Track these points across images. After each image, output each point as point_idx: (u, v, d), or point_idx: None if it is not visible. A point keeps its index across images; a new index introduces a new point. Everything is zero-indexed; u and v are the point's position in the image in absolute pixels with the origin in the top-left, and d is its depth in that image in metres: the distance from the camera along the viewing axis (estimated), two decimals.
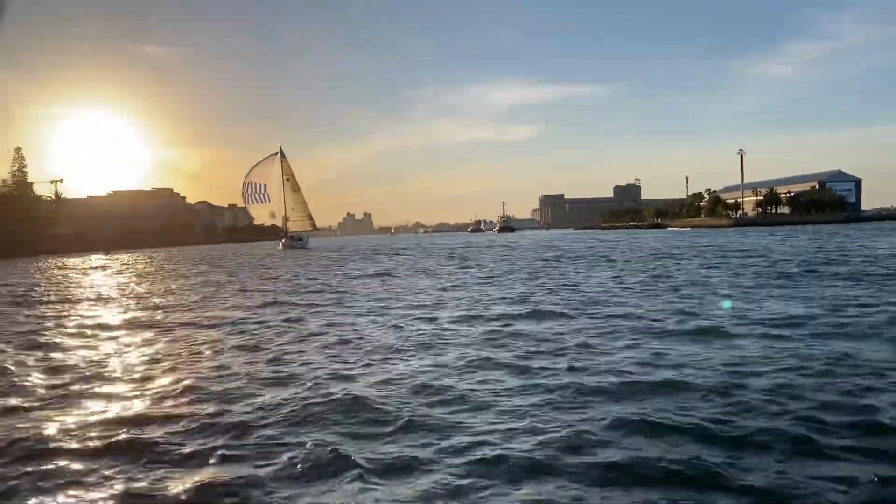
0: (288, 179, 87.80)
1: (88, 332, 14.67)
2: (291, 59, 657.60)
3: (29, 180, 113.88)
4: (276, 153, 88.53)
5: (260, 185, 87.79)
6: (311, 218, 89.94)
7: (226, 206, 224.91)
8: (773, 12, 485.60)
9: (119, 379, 9.55)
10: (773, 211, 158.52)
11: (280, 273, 34.87)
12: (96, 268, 49.61)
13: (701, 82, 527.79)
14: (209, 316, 16.86)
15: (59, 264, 58.13)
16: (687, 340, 11.10)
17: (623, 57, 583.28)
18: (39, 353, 11.89)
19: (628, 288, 20.23)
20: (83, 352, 11.93)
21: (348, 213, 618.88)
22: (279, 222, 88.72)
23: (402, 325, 14.02)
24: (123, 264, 54.49)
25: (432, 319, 14.69)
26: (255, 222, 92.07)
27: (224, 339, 12.98)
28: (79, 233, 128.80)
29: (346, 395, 8.09)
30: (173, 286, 27.92)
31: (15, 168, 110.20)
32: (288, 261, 50.59)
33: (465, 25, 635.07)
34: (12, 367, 10.59)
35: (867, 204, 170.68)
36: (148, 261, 60.71)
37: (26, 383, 9.44)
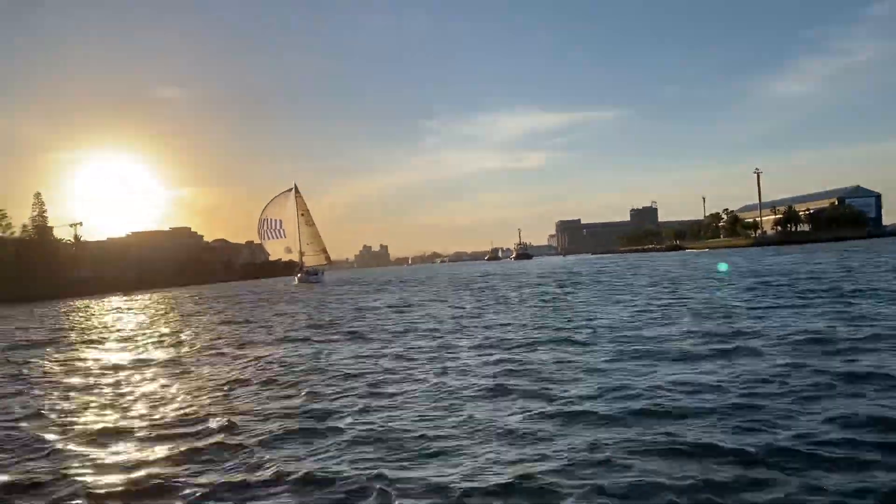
0: (303, 214, 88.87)
1: (111, 372, 14.74)
2: (304, 95, 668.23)
3: (49, 224, 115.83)
4: (291, 189, 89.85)
5: (275, 220, 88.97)
6: (325, 252, 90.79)
7: (243, 242, 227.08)
8: (782, 30, 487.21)
9: (146, 418, 9.65)
10: (793, 229, 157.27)
11: (295, 308, 34.93)
12: (117, 309, 50.08)
13: (713, 102, 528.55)
14: (229, 353, 16.92)
15: (81, 306, 58.75)
16: (710, 362, 10.95)
17: (634, 80, 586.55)
18: (71, 394, 12.03)
19: (646, 312, 20.00)
20: (108, 391, 12.04)
21: (364, 246, 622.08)
22: (295, 257, 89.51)
23: (421, 357, 13.94)
24: (143, 305, 54.98)
25: (450, 348, 14.60)
26: (271, 258, 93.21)
27: (246, 375, 12.99)
28: (98, 274, 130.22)
29: (371, 428, 8.18)
30: (192, 325, 28.03)
31: (35, 213, 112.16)
32: (304, 296, 50.78)
33: (473, 55, 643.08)
34: (45, 409, 10.70)
35: (888, 219, 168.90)
36: (167, 300, 61.25)
37: (59, 423, 9.58)
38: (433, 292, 42.29)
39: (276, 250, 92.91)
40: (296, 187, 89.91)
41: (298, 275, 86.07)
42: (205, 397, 10.95)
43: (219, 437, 8.21)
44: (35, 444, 8.50)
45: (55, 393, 12.34)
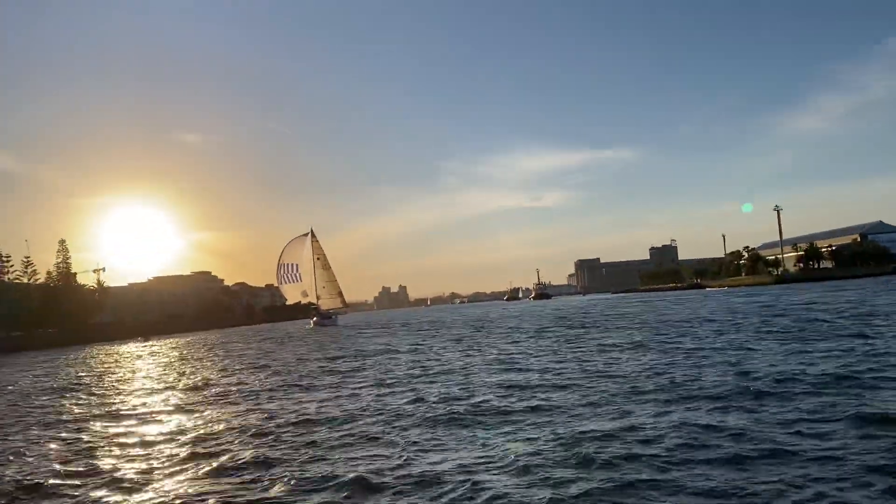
0: (318, 258, 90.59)
1: (132, 417, 14.84)
2: (323, 138, 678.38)
3: (73, 270, 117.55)
4: (307, 234, 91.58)
5: (292, 265, 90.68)
6: (341, 296, 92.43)
7: (263, 286, 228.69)
8: (797, 67, 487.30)
9: (166, 458, 9.71)
10: (816, 266, 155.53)
11: (307, 352, 34.96)
12: (139, 355, 50.53)
13: (730, 140, 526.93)
14: (248, 399, 16.96)
15: (104, 352, 59.35)
16: (735, 406, 10.79)
17: (651, 118, 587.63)
18: (107, 435, 12.24)
19: (665, 352, 19.80)
20: (131, 433, 12.11)
21: (383, 287, 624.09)
22: (313, 300, 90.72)
23: (439, 399, 13.88)
24: (165, 349, 55.43)
25: (467, 390, 14.52)
26: (288, 302, 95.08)
27: (262, 422, 12.95)
28: (121, 319, 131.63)
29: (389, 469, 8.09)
30: (210, 370, 28.18)
31: (60, 259, 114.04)
32: (318, 339, 51.00)
33: (491, 95, 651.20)
34: (73, 455, 10.82)
35: None
36: (187, 345, 61.72)
37: (97, 465, 9.76)
38: (449, 336, 42.16)
39: (293, 295, 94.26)
40: (312, 232, 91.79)
41: (314, 318, 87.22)
42: (225, 443, 10.94)
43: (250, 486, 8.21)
44: (64, 488, 8.60)
45: (82, 436, 12.49)
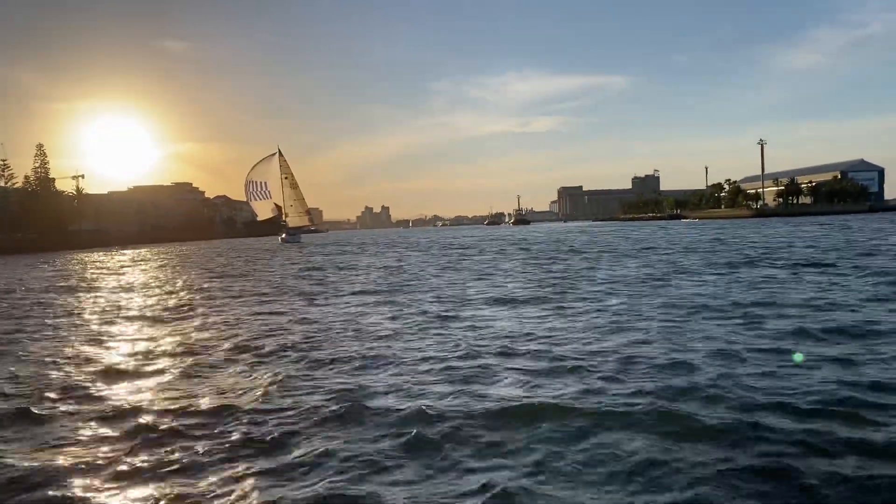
0: (286, 177, 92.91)
1: (106, 325, 15.25)
2: (311, 53, 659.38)
3: (51, 176, 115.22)
4: (274, 153, 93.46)
5: (261, 182, 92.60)
6: (308, 213, 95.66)
7: (245, 200, 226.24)
8: (798, 1, 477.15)
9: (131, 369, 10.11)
10: (795, 201, 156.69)
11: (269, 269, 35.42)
12: (119, 263, 50.67)
13: (722, 71, 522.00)
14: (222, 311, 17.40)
15: (84, 259, 59.34)
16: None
17: (644, 46, 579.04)
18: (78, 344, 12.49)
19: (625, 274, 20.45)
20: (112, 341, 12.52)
21: (366, 207, 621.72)
22: (282, 217, 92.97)
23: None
24: (141, 259, 55.65)
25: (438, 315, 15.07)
26: (259, 218, 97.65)
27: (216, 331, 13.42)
28: (100, 228, 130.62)
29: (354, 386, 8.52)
30: (185, 280, 28.59)
31: (37, 164, 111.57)
32: (278, 256, 51.74)
33: (485, 15, 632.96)
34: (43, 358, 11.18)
35: (890, 194, 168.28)
36: (164, 256, 61.90)
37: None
38: (406, 255, 42.68)
39: (264, 211, 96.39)
40: (279, 151, 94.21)
41: (282, 235, 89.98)
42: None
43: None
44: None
45: (54, 339, 12.82)
